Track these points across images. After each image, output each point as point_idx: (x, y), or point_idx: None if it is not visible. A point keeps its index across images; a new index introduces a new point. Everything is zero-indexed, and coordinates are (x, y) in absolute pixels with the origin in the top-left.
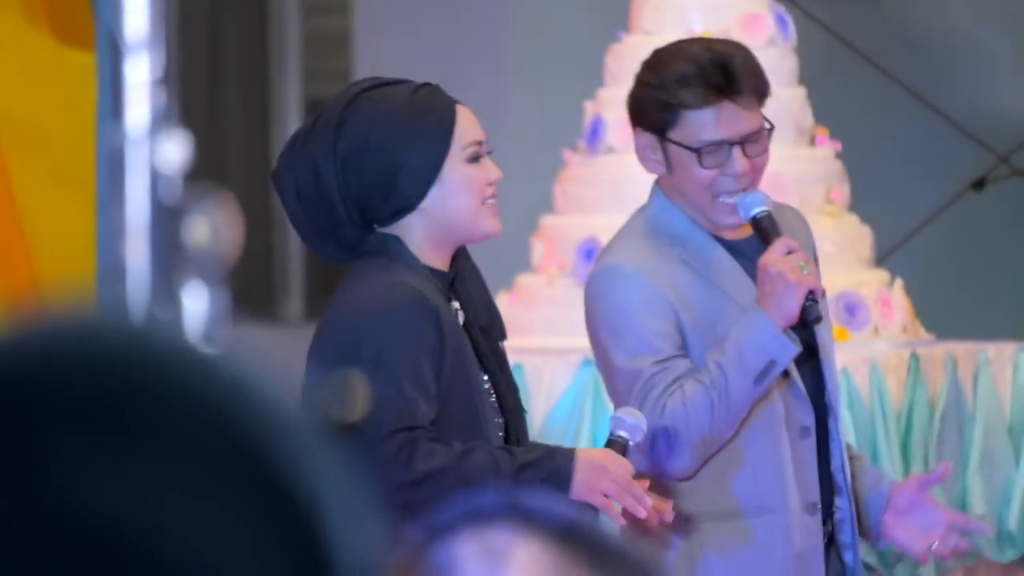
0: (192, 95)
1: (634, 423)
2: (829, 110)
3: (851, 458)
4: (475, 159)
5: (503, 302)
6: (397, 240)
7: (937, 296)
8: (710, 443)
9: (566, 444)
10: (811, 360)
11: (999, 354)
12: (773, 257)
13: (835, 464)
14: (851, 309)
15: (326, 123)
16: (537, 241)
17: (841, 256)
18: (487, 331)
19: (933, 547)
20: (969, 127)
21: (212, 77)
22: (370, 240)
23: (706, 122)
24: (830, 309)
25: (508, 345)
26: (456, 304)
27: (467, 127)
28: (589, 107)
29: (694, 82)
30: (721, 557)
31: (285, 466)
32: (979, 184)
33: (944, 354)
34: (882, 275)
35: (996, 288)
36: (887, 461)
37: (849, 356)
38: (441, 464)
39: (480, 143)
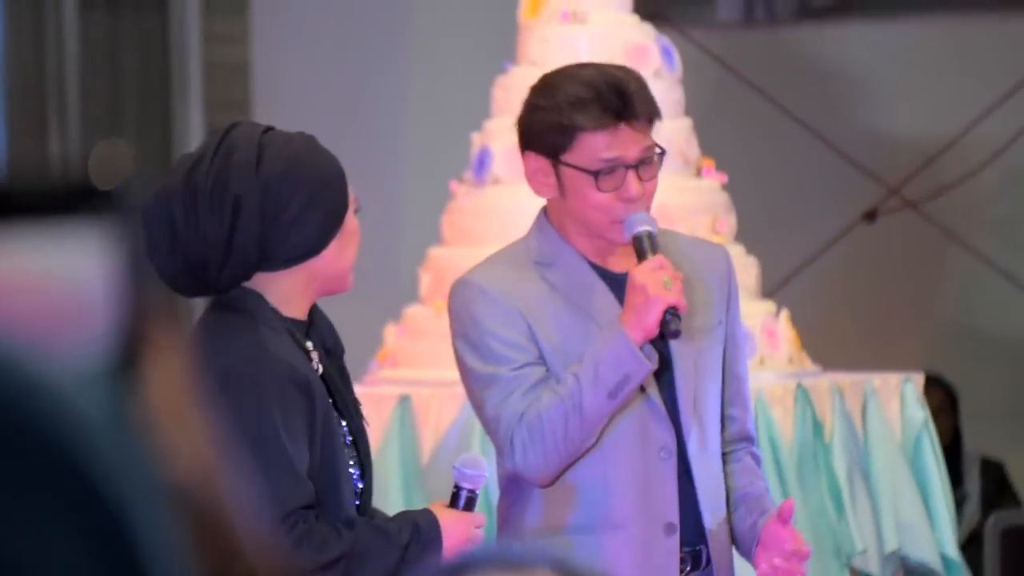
0: (92, 123)
1: (475, 474)
2: (719, 141)
3: (747, 499)
4: (357, 211)
5: (391, 333)
6: (258, 296)
7: (826, 328)
8: (565, 453)
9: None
10: (671, 382)
11: (884, 384)
12: (640, 269)
13: (700, 487)
14: None
15: (243, 155)
16: (425, 273)
17: None
18: (331, 352)
19: None
20: (860, 159)
21: (112, 105)
22: (231, 295)
23: (603, 145)
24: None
25: (396, 376)
26: (309, 344)
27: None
28: (476, 139)
29: (590, 105)
30: None
31: (90, 466)
32: (870, 215)
33: (830, 385)
34: (768, 306)
35: (885, 320)
36: (776, 495)
37: None
38: (338, 553)
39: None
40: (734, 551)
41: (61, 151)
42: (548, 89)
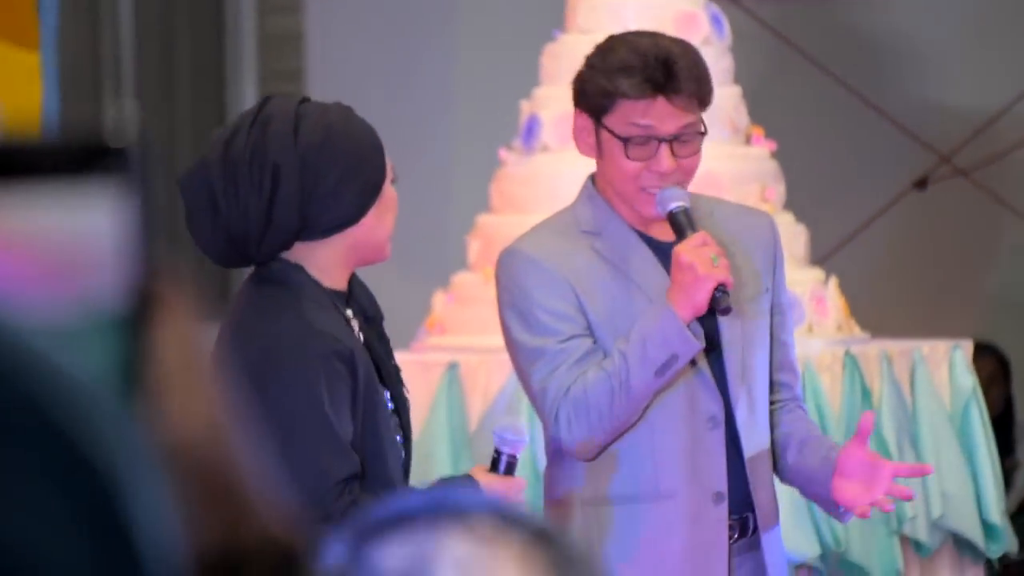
0: (147, 96)
1: (515, 439)
2: (771, 110)
3: (809, 439)
4: (394, 181)
5: (440, 300)
6: (299, 269)
7: (877, 296)
8: (610, 429)
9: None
10: (718, 352)
11: (933, 352)
12: (686, 247)
13: (747, 456)
14: None
15: (280, 126)
16: (474, 240)
17: None
18: (372, 319)
19: (877, 502)
20: (912, 127)
21: (166, 78)
22: (272, 268)
23: (638, 114)
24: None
25: (444, 343)
26: (350, 312)
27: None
28: (525, 106)
29: (635, 73)
30: (618, 540)
31: (83, 437)
32: (921, 184)
33: (878, 352)
34: (817, 274)
35: (936, 288)
36: None
37: None
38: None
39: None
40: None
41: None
42: (605, 51)
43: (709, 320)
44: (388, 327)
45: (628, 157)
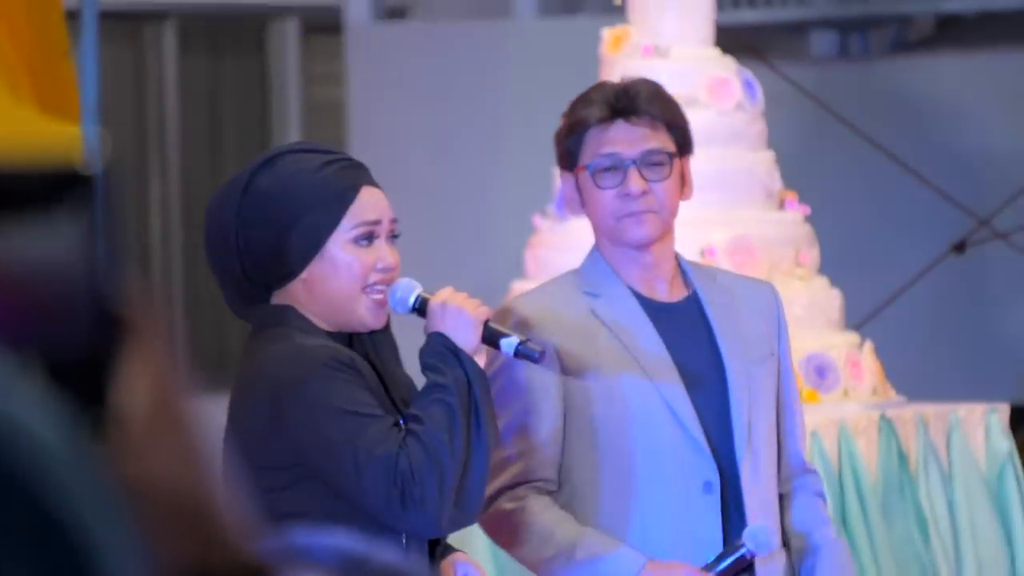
0: (193, 165)
1: (405, 286)
2: (810, 175)
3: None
4: (366, 239)
5: None
6: (291, 309)
7: (915, 361)
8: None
9: None
10: (722, 413)
11: (969, 415)
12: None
13: (751, 519)
14: (821, 371)
15: (239, 179)
16: None
17: (810, 319)
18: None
19: None
20: (949, 190)
21: (212, 147)
22: (265, 311)
23: (602, 139)
24: (799, 371)
25: None
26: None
27: (365, 207)
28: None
29: (594, 103)
30: None
31: (51, 495)
32: (959, 247)
33: (914, 415)
34: (852, 338)
35: (975, 353)
36: (859, 525)
37: (818, 418)
38: (422, 452)
39: (375, 223)
40: None
41: (162, 194)
42: (574, 103)
43: (715, 379)
44: None
45: (598, 186)
